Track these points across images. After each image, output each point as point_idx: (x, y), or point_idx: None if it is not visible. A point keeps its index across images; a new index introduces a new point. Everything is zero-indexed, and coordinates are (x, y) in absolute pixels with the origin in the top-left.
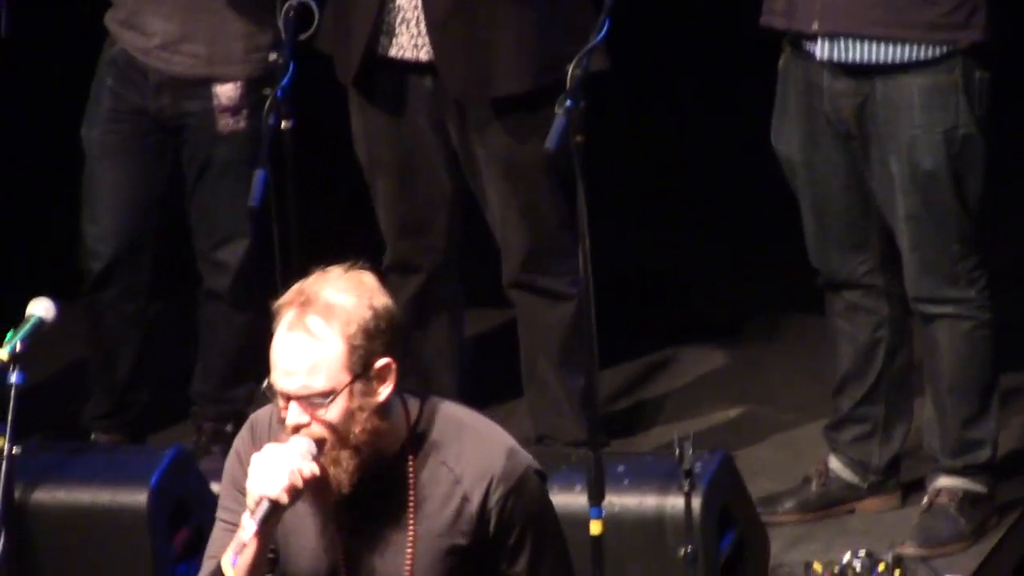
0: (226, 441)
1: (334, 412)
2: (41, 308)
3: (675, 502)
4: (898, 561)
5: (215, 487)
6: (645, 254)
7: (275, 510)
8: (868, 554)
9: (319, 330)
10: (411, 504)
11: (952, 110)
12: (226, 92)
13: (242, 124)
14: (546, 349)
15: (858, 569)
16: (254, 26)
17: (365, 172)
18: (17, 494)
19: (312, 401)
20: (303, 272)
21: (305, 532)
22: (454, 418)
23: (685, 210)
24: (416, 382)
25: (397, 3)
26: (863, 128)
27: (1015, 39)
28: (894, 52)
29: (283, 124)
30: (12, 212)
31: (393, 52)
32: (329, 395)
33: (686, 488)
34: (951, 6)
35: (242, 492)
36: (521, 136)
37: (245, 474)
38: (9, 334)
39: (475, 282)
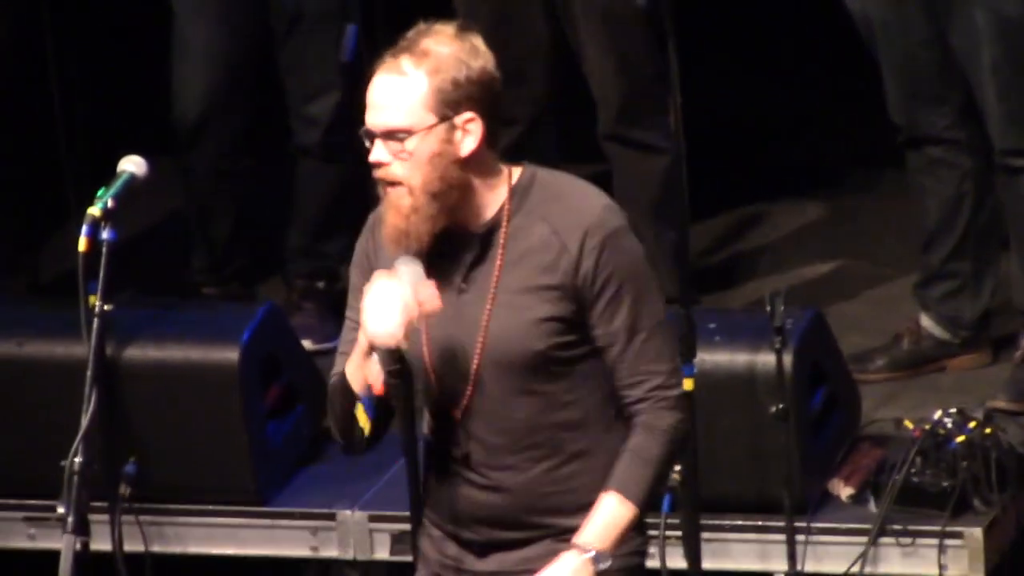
0: (318, 298)
1: (413, 151)
2: (132, 164)
3: (766, 359)
4: (989, 417)
5: (306, 344)
6: (738, 108)
7: (400, 357)
8: (959, 411)
9: (408, 69)
10: (500, 257)
11: None
12: None
13: None
14: (640, 202)
15: (949, 426)
16: None
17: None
18: (109, 351)
19: (394, 138)
20: None
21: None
22: (555, 180)
23: (778, 63)
24: None
25: None
26: None
27: None
28: None
29: None
30: (102, 66)
31: None
32: (407, 132)
33: (777, 345)
34: None
35: (363, 272)
36: None
37: (368, 270)
38: (101, 191)
39: (571, 135)
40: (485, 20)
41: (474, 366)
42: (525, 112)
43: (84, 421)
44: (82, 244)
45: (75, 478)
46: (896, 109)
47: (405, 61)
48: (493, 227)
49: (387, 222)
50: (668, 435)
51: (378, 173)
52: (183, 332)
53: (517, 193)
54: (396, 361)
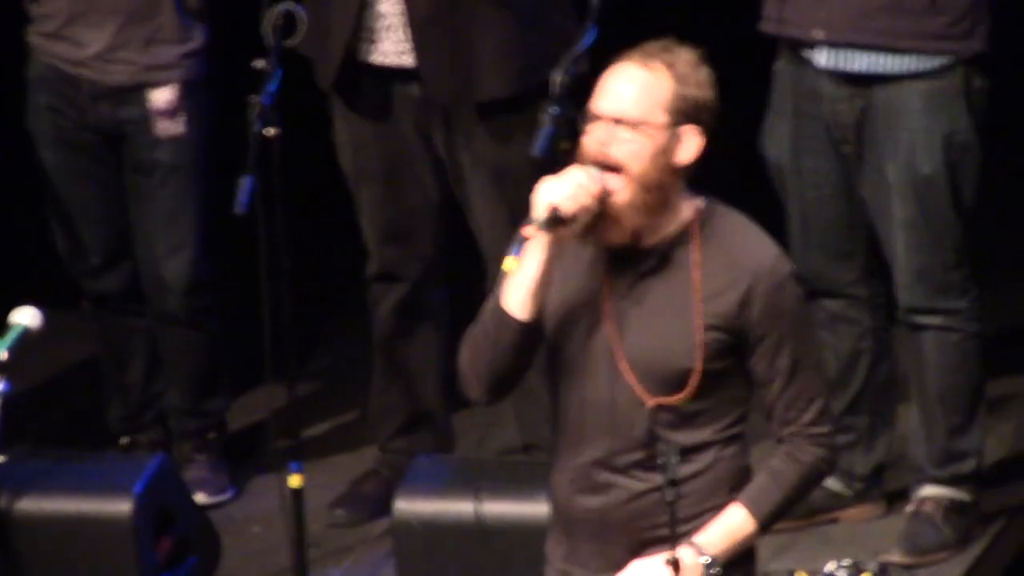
0: (210, 449)
1: (638, 144)
2: (26, 316)
3: None
4: (883, 570)
5: (200, 497)
6: None
7: (557, 221)
8: (852, 563)
9: (657, 68)
10: (696, 283)
11: (952, 116)
12: (162, 96)
13: (180, 128)
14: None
15: None
16: (187, 31)
17: (349, 180)
18: (2, 503)
19: (626, 125)
20: (289, 279)
21: (574, 294)
22: (734, 216)
23: None
24: (403, 387)
25: (379, 9)
26: (861, 133)
27: (1012, 48)
28: (898, 62)
29: (269, 131)
30: None
31: (377, 59)
32: (641, 124)
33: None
34: (954, 17)
35: None
36: (506, 140)
37: None
38: None
39: (462, 290)
40: (374, 178)
41: (695, 368)
42: (412, 269)
43: None
44: None
45: None
46: (800, 260)
47: (655, 62)
48: (675, 245)
49: (592, 189)
50: (808, 468)
51: (596, 154)
52: (76, 484)
53: (704, 219)
54: (554, 223)
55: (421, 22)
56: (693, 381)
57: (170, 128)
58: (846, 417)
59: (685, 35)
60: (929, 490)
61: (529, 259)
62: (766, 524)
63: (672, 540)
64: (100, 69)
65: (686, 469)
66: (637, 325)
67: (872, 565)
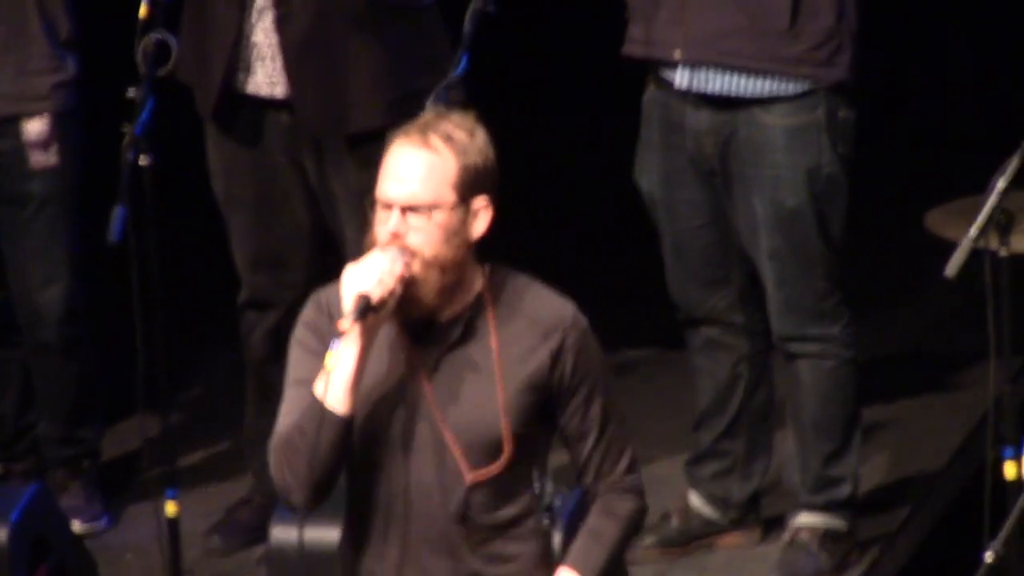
0: (84, 477)
1: (433, 227)
2: None
3: None
4: None
5: (75, 524)
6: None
7: (368, 310)
8: None
9: (438, 146)
10: (494, 347)
11: (815, 149)
12: (35, 127)
13: (53, 159)
14: None
15: None
16: (58, 60)
17: (221, 207)
18: None
19: (416, 211)
20: (162, 307)
21: (382, 377)
22: (521, 277)
23: (552, 243)
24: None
25: (253, 40)
26: (726, 166)
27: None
28: (756, 85)
29: (141, 160)
30: None
31: (250, 88)
32: (433, 208)
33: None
34: (814, 43)
35: (315, 354)
36: (377, 169)
37: (317, 337)
38: None
39: None
40: (245, 205)
41: (511, 433)
42: (284, 296)
43: None
44: None
45: None
46: (675, 289)
47: (434, 139)
48: (473, 314)
49: (395, 272)
50: (626, 521)
51: (393, 243)
52: None
53: (495, 285)
54: (365, 311)
55: (295, 54)
56: (508, 448)
57: (43, 160)
58: (722, 442)
59: (557, 59)
60: (804, 518)
61: (345, 352)
62: None
63: None
64: None
65: (511, 548)
66: (452, 399)
67: None
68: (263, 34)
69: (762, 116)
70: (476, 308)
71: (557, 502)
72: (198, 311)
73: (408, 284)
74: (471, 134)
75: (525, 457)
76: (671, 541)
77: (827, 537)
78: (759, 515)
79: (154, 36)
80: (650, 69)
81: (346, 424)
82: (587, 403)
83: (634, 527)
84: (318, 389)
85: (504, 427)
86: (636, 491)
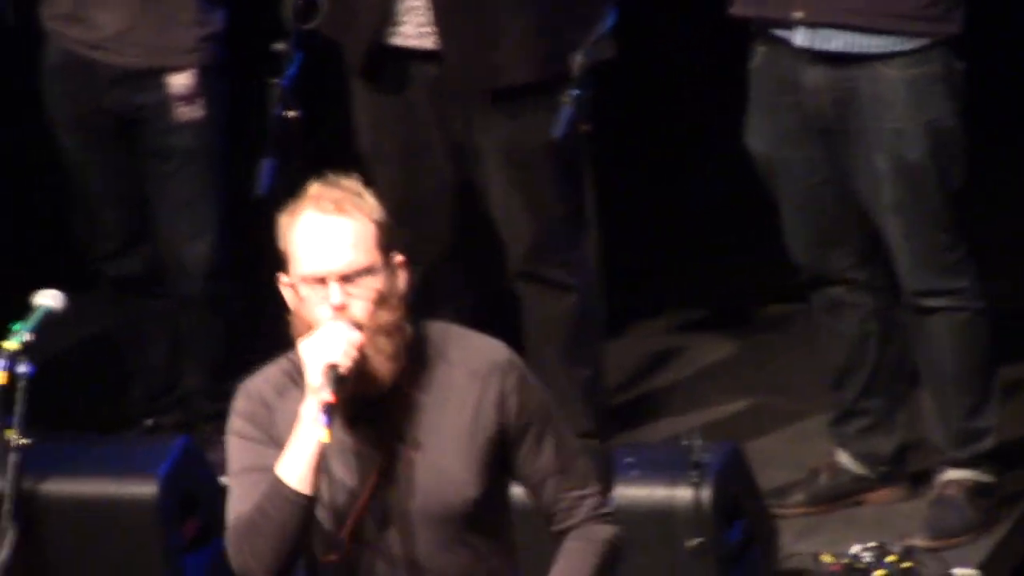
0: None
1: (373, 291)
2: (49, 298)
3: (684, 493)
4: (908, 552)
5: (223, 478)
6: (652, 244)
7: (341, 381)
8: (878, 546)
9: (352, 211)
10: (444, 405)
11: (935, 102)
12: (180, 80)
13: (199, 113)
14: (552, 340)
15: (867, 560)
16: (205, 14)
17: (366, 161)
18: (26, 486)
19: (354, 280)
20: None
21: (338, 456)
22: (443, 328)
23: (691, 199)
24: None
25: None
26: (844, 123)
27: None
28: (876, 42)
29: (289, 113)
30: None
31: (398, 41)
32: (370, 270)
33: (695, 479)
34: None
35: (256, 441)
36: (525, 125)
37: (253, 425)
38: (16, 324)
39: (479, 273)
40: (390, 159)
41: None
42: (428, 251)
43: (2, 555)
44: (0, 377)
45: None
46: (797, 249)
47: (345, 204)
48: (411, 374)
49: (355, 343)
50: (606, 546)
51: (340, 318)
52: (100, 467)
53: (422, 339)
54: (339, 382)
55: (446, 7)
56: (474, 504)
57: (188, 113)
58: (861, 400)
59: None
60: (951, 473)
61: (307, 433)
62: None
63: None
64: (116, 51)
65: None
66: (415, 466)
67: (897, 548)
68: None
69: (883, 70)
70: (412, 367)
71: (706, 458)
72: None
73: (359, 358)
74: (366, 196)
75: (490, 511)
76: (820, 497)
77: (974, 491)
78: (906, 470)
79: None
80: (756, 32)
81: (311, 505)
82: (539, 442)
83: (615, 553)
84: (280, 471)
85: (465, 486)
86: (612, 519)
